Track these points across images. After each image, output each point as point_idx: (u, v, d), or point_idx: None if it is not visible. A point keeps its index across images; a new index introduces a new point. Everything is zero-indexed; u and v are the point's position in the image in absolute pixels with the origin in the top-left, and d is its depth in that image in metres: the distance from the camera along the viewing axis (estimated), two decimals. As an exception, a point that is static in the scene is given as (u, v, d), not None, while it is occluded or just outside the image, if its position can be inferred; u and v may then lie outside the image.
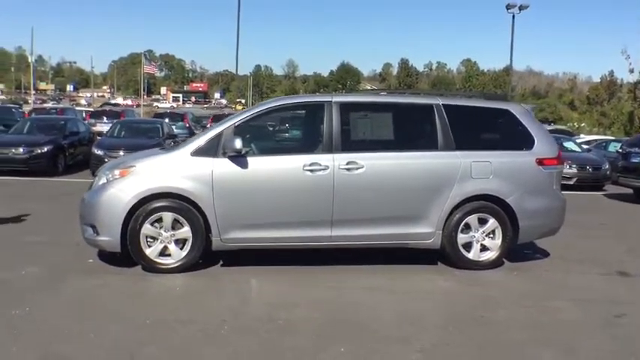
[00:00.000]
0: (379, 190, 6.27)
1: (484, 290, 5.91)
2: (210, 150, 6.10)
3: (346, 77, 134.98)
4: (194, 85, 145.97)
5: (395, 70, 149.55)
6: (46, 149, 14.55)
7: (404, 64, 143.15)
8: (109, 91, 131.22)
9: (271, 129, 10.81)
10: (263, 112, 6.56)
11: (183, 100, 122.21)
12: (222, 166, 6.04)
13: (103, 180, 6.20)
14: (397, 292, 5.78)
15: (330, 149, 6.23)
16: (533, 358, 4.27)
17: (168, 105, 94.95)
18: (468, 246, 6.55)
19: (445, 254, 6.60)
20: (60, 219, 8.53)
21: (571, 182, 15.58)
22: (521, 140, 6.77)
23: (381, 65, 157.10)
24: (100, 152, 14.32)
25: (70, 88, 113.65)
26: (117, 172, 6.15)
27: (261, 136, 7.09)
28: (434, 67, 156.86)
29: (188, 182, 6.00)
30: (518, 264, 6.96)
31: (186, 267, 6.07)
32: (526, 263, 7.07)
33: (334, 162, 6.16)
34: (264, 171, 6.16)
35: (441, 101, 6.69)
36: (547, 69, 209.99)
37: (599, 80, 79.61)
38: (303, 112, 7.42)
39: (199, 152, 6.10)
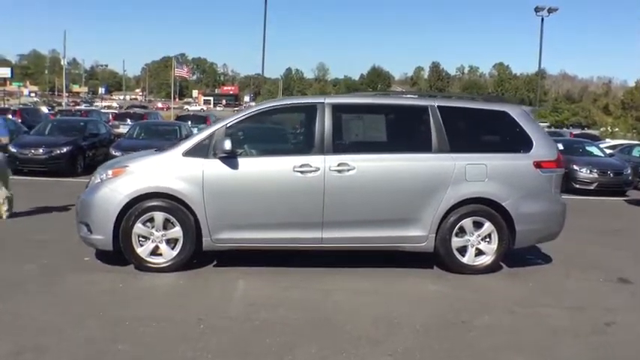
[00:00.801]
0: (370, 192, 6.21)
1: (474, 295, 5.80)
2: (201, 151, 6.14)
3: (377, 81, 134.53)
4: (225, 88, 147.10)
5: (426, 74, 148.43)
6: (64, 150, 14.83)
7: (435, 68, 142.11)
8: (141, 94, 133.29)
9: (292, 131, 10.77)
10: (256, 114, 6.57)
11: (214, 103, 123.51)
12: (212, 167, 6.08)
13: (98, 179, 6.30)
14: (383, 295, 5.73)
15: (321, 151, 6.20)
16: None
17: (198, 108, 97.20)
18: (462, 250, 6.45)
19: (439, 258, 6.50)
20: (68, 218, 8.65)
21: (591, 187, 15.29)
22: (518, 142, 6.63)
23: (413, 69, 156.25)
24: (117, 153, 14.40)
25: (101, 90, 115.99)
26: (110, 172, 6.25)
27: (253, 138, 7.08)
28: (466, 70, 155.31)
29: (179, 182, 6.05)
30: (518, 269, 6.82)
31: (177, 266, 6.12)
32: (525, 268, 6.92)
33: (325, 163, 6.13)
34: (254, 172, 6.17)
35: (436, 103, 6.61)
36: (581, 73, 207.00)
37: (634, 84, 77.93)
38: (297, 113, 7.38)
39: (191, 153, 6.15)
